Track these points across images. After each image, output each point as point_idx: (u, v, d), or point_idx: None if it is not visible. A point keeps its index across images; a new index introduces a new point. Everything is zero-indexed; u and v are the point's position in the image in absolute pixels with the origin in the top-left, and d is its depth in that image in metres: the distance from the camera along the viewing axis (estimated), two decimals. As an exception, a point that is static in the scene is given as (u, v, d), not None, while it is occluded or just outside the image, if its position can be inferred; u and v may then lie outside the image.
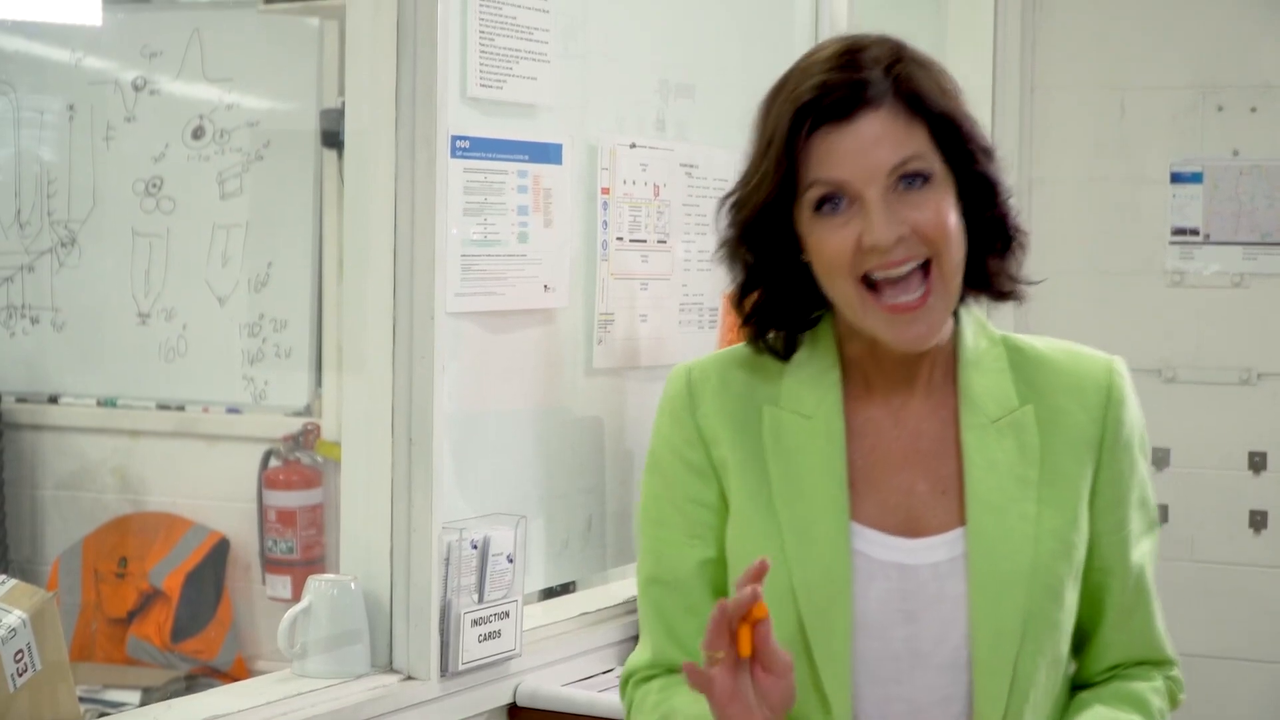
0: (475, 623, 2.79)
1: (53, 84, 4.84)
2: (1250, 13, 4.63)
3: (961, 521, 1.86)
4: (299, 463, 4.49)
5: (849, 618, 1.83)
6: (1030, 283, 1.92)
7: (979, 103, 5.10)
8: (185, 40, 4.68)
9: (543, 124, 2.98)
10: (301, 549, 4.44)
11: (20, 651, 2.05)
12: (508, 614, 2.85)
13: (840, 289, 1.82)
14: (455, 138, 2.78)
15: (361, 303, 2.78)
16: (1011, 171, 5.14)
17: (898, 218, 1.78)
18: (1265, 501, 4.67)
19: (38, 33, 4.82)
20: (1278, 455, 4.65)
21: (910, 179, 1.80)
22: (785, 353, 1.92)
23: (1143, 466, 1.95)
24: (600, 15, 3.15)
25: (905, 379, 1.90)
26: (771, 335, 1.92)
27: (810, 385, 1.90)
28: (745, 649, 1.71)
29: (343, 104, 2.97)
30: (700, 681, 1.71)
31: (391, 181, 2.75)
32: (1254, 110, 4.63)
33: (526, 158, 2.93)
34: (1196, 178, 4.69)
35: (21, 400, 4.85)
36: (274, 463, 4.50)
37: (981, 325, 1.94)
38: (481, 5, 2.83)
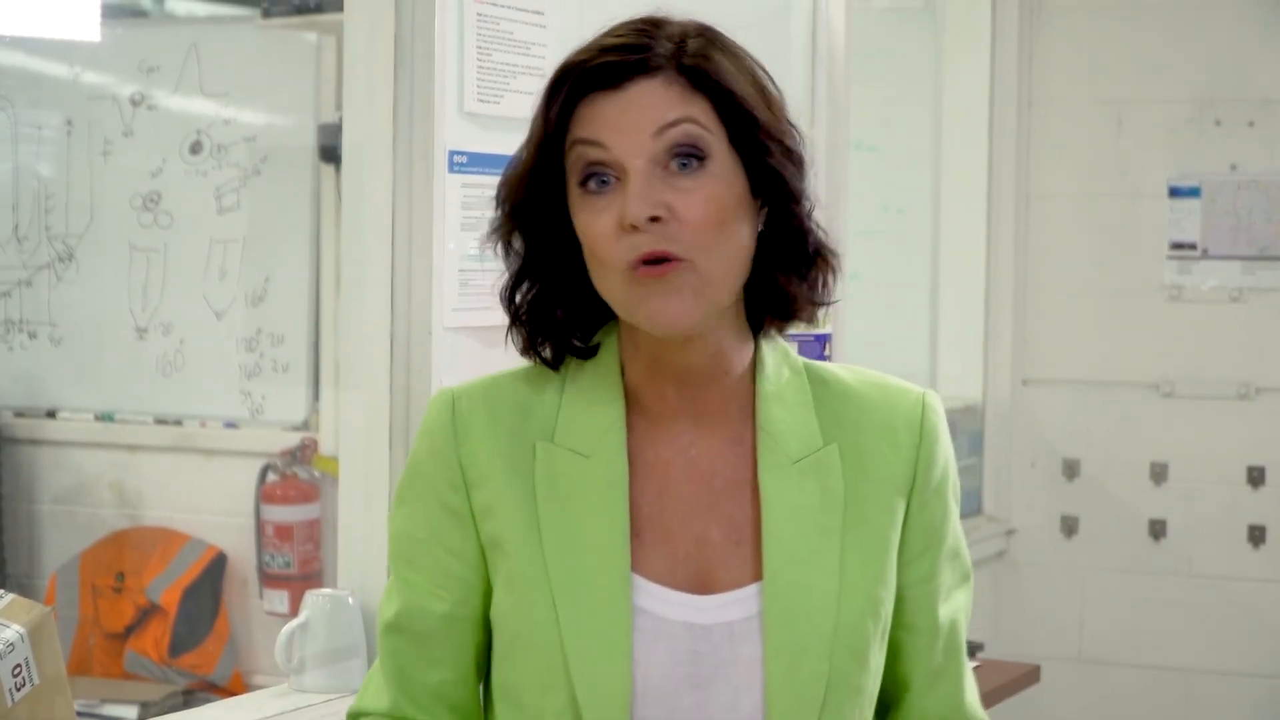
0: (473, 638, 2.78)
1: (51, 99, 4.84)
2: (1248, 27, 4.64)
3: (758, 575, 1.66)
4: (296, 477, 4.48)
5: (628, 684, 1.62)
6: (825, 303, 1.71)
7: (976, 118, 5.16)
8: (183, 55, 4.68)
9: (540, 139, 2.98)
10: (299, 564, 4.43)
11: (18, 666, 2.04)
12: (505, 629, 2.85)
13: (608, 282, 1.62)
14: (453, 152, 2.78)
15: (359, 317, 2.78)
16: (1008, 186, 5.08)
17: (659, 198, 1.58)
18: (1264, 516, 4.67)
19: (36, 48, 4.82)
20: (1276, 470, 4.66)
21: (685, 158, 1.59)
22: (554, 362, 1.71)
23: (955, 512, 1.76)
24: (597, 29, 3.15)
25: (696, 412, 1.69)
26: (540, 344, 1.71)
27: (590, 419, 1.68)
28: None
29: (340, 119, 2.97)
30: None
31: (389, 196, 2.75)
32: (1252, 124, 4.64)
33: (524, 172, 2.93)
34: (1194, 192, 4.70)
35: (19, 415, 4.85)
36: (271, 477, 4.50)
37: (784, 354, 1.73)
38: (479, 20, 2.83)
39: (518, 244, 1.70)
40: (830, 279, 1.70)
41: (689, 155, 1.60)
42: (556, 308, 1.69)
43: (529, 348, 1.72)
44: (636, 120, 1.60)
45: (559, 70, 1.64)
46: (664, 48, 1.62)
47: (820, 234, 1.68)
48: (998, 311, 4.87)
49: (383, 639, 1.75)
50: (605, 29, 1.68)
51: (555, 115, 1.63)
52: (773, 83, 1.68)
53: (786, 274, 1.67)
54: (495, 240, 1.71)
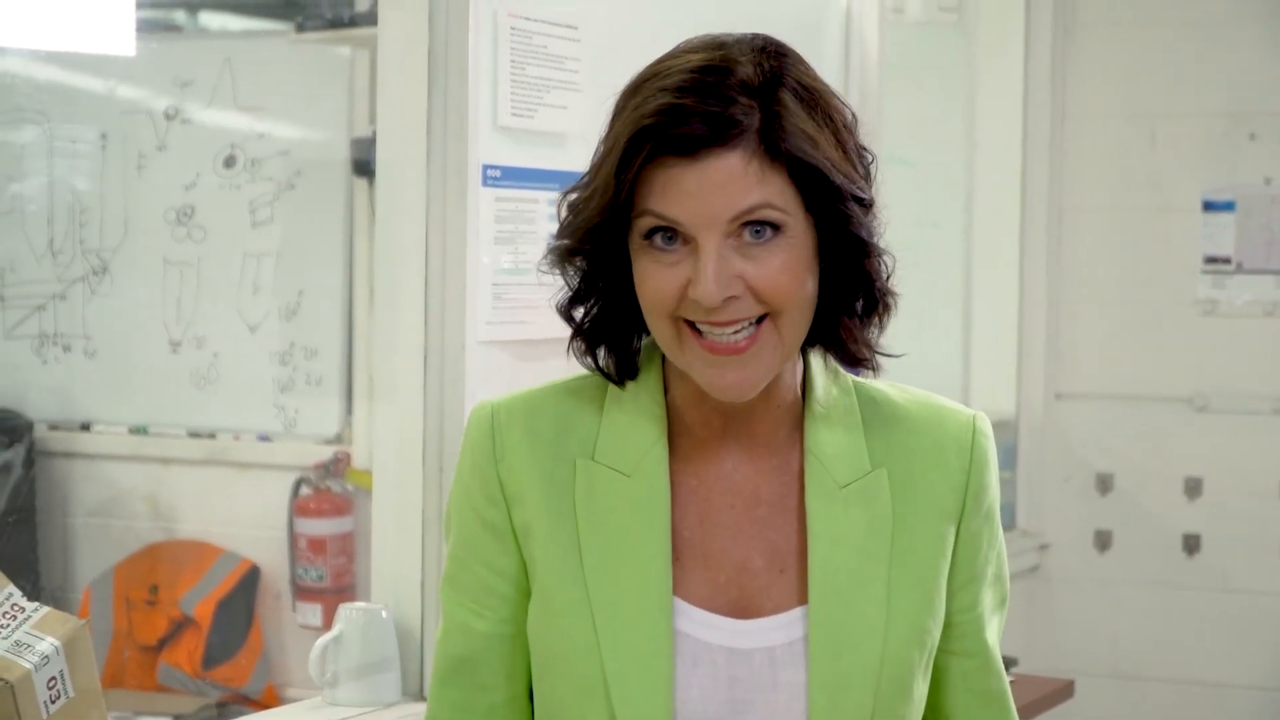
0: (506, 651, 2.78)
1: (86, 113, 4.86)
2: (1282, 40, 4.63)
3: (802, 600, 1.63)
4: (330, 491, 4.49)
5: (669, 709, 1.60)
6: (890, 355, 1.67)
7: (1009, 132, 5.15)
8: (217, 69, 4.70)
9: (574, 153, 2.98)
10: (332, 577, 4.44)
11: (53, 679, 2.05)
12: (538, 642, 2.85)
13: (657, 327, 1.60)
14: (486, 166, 2.78)
15: (392, 331, 2.79)
16: (1041, 199, 5.09)
17: (732, 272, 1.54)
18: (1298, 531, 4.65)
19: (71, 63, 4.84)
20: (1311, 484, 4.64)
21: (758, 229, 1.55)
22: (619, 376, 1.67)
23: (1000, 537, 1.73)
24: (631, 44, 3.16)
25: (741, 435, 1.66)
26: (603, 356, 1.67)
27: (631, 437, 1.65)
28: None
29: (374, 133, 2.97)
30: None
31: (422, 210, 2.76)
32: (1286, 138, 4.63)
33: (557, 186, 2.93)
34: (1228, 206, 4.68)
35: (53, 428, 4.86)
36: (305, 491, 4.50)
37: (834, 373, 1.70)
38: (513, 34, 2.84)
39: (580, 262, 1.65)
40: (888, 322, 1.66)
41: (763, 225, 1.56)
42: (616, 325, 1.66)
43: (590, 355, 1.68)
44: (712, 201, 1.54)
45: (631, 131, 1.56)
46: (741, 110, 1.54)
47: (885, 278, 1.65)
48: (1031, 325, 4.86)
49: (432, 684, 1.73)
50: (677, 59, 1.60)
51: (628, 181, 1.56)
52: (845, 106, 1.62)
53: (850, 316, 1.64)
54: (556, 259, 1.66)
